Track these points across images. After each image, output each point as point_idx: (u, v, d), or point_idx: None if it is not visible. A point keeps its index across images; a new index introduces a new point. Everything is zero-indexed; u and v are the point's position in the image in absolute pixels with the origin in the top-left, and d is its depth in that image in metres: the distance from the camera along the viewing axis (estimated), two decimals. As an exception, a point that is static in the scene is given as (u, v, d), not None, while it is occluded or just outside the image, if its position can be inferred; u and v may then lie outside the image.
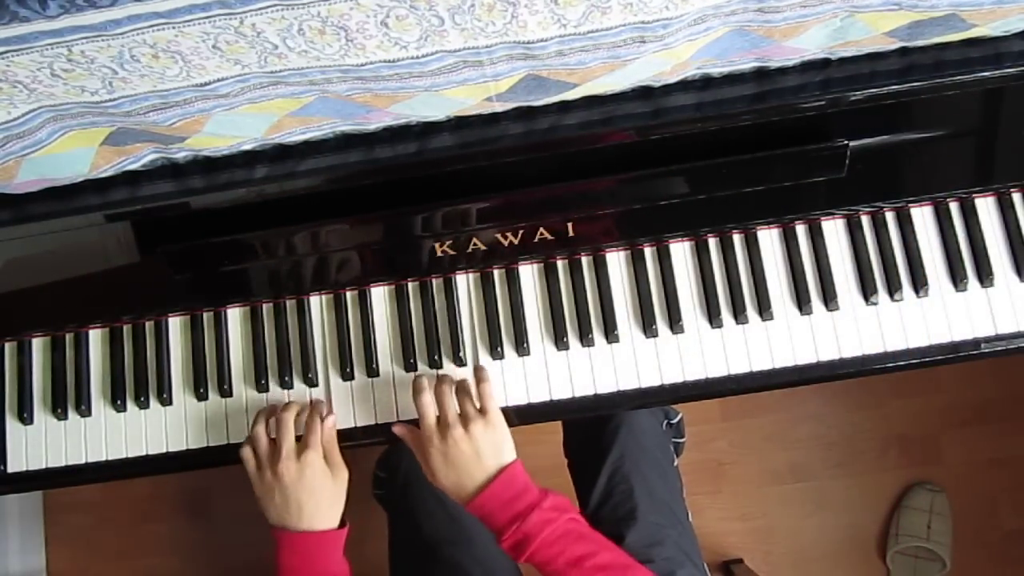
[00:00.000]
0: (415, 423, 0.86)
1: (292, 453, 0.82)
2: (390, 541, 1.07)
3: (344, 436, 0.91)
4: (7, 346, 0.96)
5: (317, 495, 0.82)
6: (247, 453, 0.85)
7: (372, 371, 0.92)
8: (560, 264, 0.93)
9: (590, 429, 1.08)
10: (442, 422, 0.83)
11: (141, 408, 0.94)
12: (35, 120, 0.72)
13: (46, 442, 0.94)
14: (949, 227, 0.92)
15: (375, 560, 1.06)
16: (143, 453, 0.93)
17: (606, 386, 0.91)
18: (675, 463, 1.11)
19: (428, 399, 0.84)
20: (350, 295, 0.94)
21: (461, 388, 0.86)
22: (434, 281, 0.94)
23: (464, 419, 0.82)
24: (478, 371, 0.88)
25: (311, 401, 0.90)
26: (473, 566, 0.99)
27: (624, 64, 0.76)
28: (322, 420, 0.87)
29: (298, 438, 0.85)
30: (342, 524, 0.85)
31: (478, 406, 0.84)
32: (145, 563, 1.70)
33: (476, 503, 0.80)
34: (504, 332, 0.92)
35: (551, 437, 1.15)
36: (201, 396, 0.93)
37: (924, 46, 0.84)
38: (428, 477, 0.84)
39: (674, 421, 1.16)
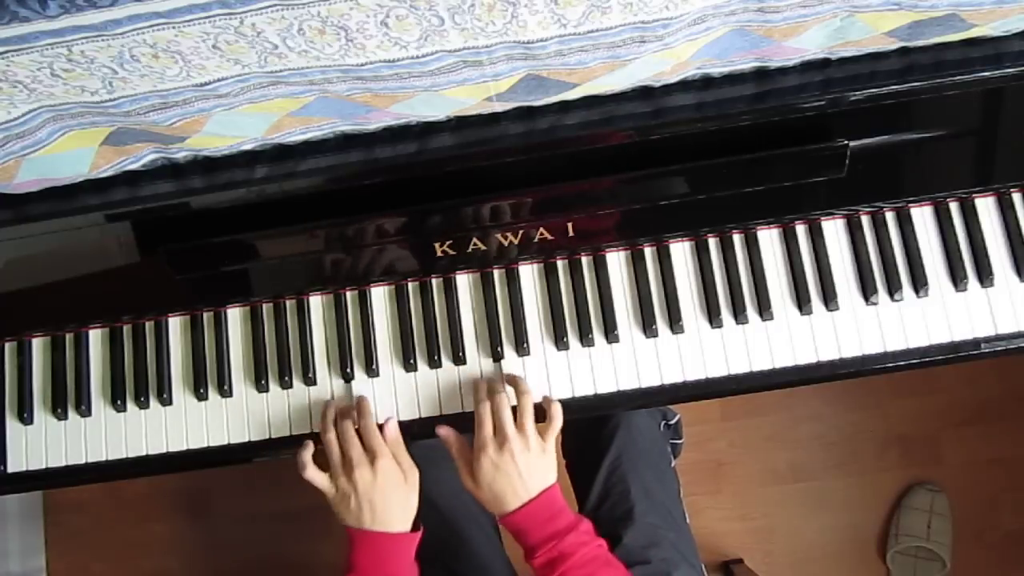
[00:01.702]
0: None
1: (364, 461, 0.83)
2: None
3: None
4: (7, 346, 0.96)
5: (391, 497, 0.83)
6: (312, 472, 0.85)
7: (372, 371, 0.92)
8: (560, 264, 0.93)
9: (588, 429, 1.08)
10: (499, 433, 0.83)
11: (141, 408, 0.94)
12: (35, 120, 0.72)
13: (46, 442, 0.94)
14: (949, 227, 0.92)
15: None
16: (143, 453, 0.93)
17: (606, 386, 0.91)
18: (673, 464, 1.11)
19: (488, 407, 0.85)
20: (350, 295, 0.94)
21: (523, 403, 0.86)
22: (434, 281, 0.94)
23: (523, 436, 0.83)
24: (547, 404, 0.88)
25: (358, 407, 0.89)
26: (468, 570, 0.99)
27: (624, 64, 0.76)
28: (382, 424, 0.88)
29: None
30: (415, 528, 0.86)
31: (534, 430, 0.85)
32: (145, 563, 1.70)
33: (514, 518, 0.82)
34: (504, 332, 0.92)
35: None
36: (201, 396, 0.93)
37: (924, 46, 0.84)
38: (466, 483, 0.85)
39: (672, 422, 1.16)
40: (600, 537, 0.83)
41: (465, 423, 0.91)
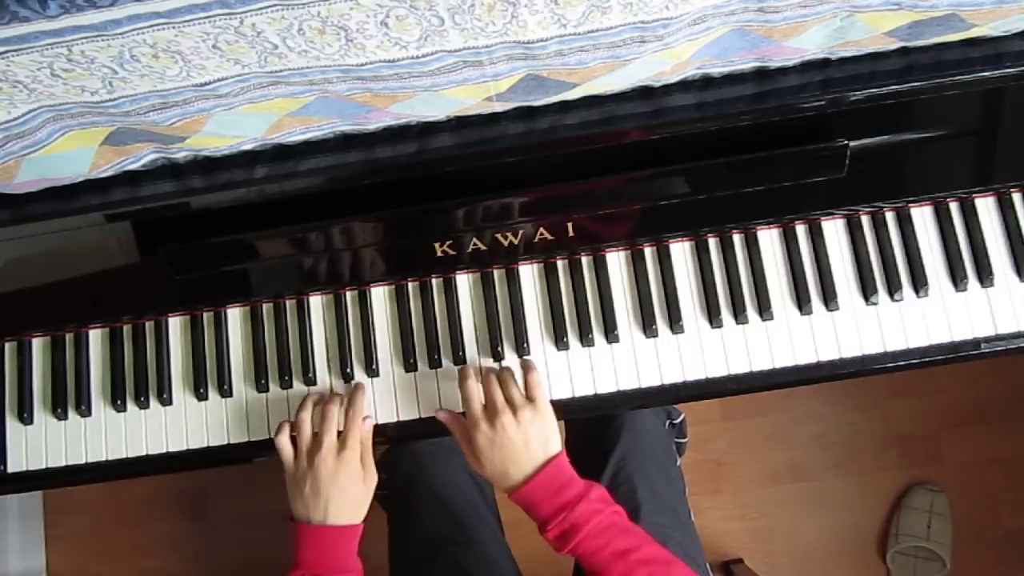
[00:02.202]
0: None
1: (333, 448, 0.83)
2: (390, 541, 1.07)
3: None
4: (7, 346, 0.96)
5: (347, 494, 0.82)
6: (284, 440, 0.85)
7: (372, 371, 0.92)
8: (560, 264, 0.93)
9: (593, 429, 1.08)
10: (489, 408, 0.82)
11: (141, 408, 0.94)
12: (35, 120, 0.72)
13: (46, 442, 0.94)
14: (949, 227, 0.92)
15: (375, 560, 1.06)
16: (143, 453, 0.93)
17: (606, 386, 0.91)
18: (678, 463, 1.11)
19: (474, 385, 0.84)
20: (350, 295, 0.94)
21: (507, 376, 0.86)
22: (434, 281, 0.94)
23: (512, 406, 0.82)
24: (524, 362, 0.88)
25: (351, 396, 0.89)
26: (474, 566, 0.99)
27: (624, 64, 0.76)
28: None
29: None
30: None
31: (525, 395, 0.84)
32: (145, 563, 1.70)
33: (522, 492, 0.80)
34: (504, 332, 0.92)
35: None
36: (201, 396, 0.93)
37: (924, 46, 0.84)
38: (471, 464, 0.84)
39: (676, 421, 1.16)
40: (615, 503, 0.81)
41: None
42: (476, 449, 0.82)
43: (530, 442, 0.81)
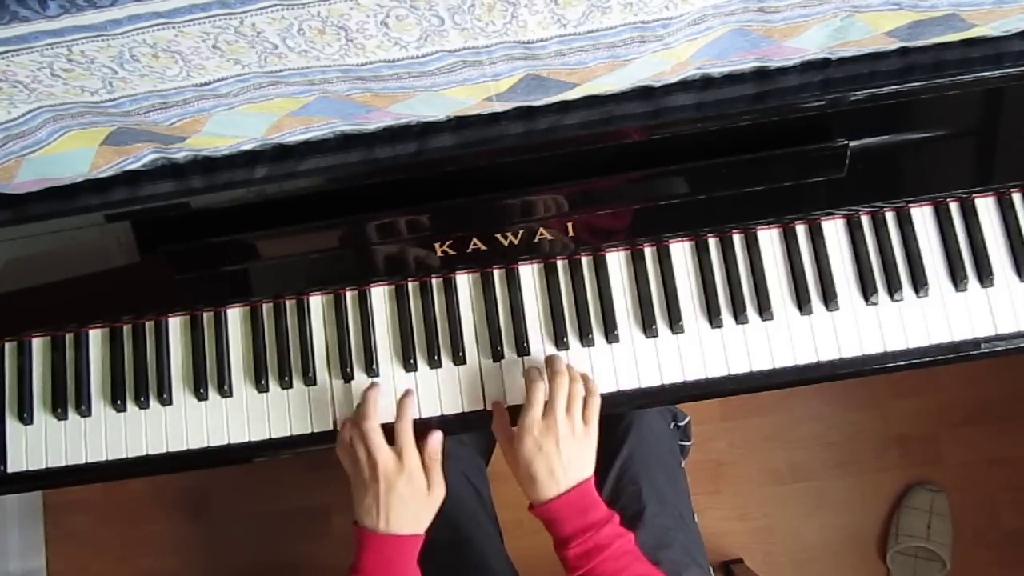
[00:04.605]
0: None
1: (392, 459, 0.82)
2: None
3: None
4: (7, 346, 0.96)
5: (406, 505, 0.82)
6: (345, 448, 0.85)
7: (372, 371, 0.92)
8: (560, 264, 0.93)
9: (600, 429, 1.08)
10: (548, 415, 0.82)
11: (141, 408, 0.94)
12: (35, 120, 0.72)
13: (46, 442, 0.94)
14: (949, 227, 0.92)
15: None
16: (143, 453, 0.93)
17: (606, 386, 0.91)
18: (682, 465, 1.11)
19: (542, 389, 0.84)
20: (350, 295, 0.94)
21: (576, 392, 0.85)
22: (434, 281, 0.94)
23: (571, 423, 0.82)
24: (589, 382, 0.88)
25: (398, 404, 0.88)
26: (471, 569, 0.99)
27: (624, 64, 0.76)
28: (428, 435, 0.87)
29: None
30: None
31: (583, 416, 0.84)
32: (145, 563, 1.70)
33: (551, 506, 0.81)
34: (504, 332, 0.92)
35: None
36: (201, 396, 0.93)
37: (924, 46, 0.84)
38: (505, 456, 0.85)
39: (682, 423, 1.16)
40: (629, 532, 0.82)
41: (466, 423, 0.91)
42: (520, 449, 0.82)
43: (572, 461, 0.82)
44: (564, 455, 0.81)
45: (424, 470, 0.84)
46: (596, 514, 0.80)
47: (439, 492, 0.85)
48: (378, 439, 0.83)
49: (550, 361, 0.87)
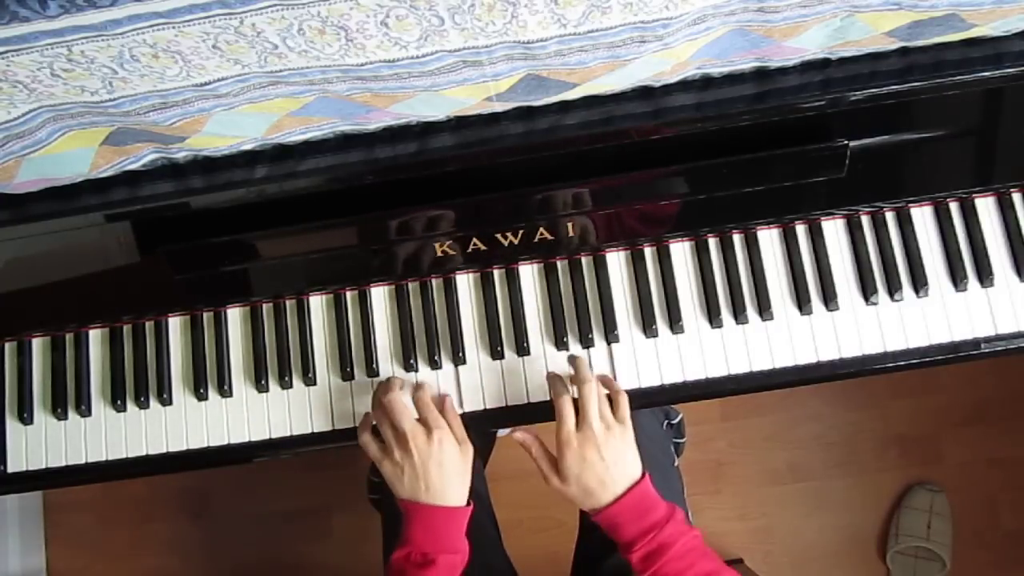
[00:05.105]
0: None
1: (420, 429, 0.82)
2: (385, 544, 1.07)
3: (340, 436, 0.91)
4: (7, 346, 0.96)
5: (447, 469, 0.82)
6: (367, 437, 0.85)
7: (372, 371, 0.92)
8: (560, 264, 0.93)
9: None
10: (583, 425, 0.81)
11: (141, 408, 0.94)
12: (35, 120, 0.72)
13: (46, 442, 0.94)
14: (949, 227, 0.92)
15: (373, 560, 1.06)
16: (143, 453, 0.93)
17: (606, 386, 0.91)
18: (676, 463, 1.11)
19: (569, 403, 0.83)
20: (350, 295, 0.94)
21: (601, 394, 0.85)
22: (434, 281, 0.94)
23: (605, 426, 0.81)
24: (612, 383, 0.87)
25: (415, 385, 0.90)
26: (471, 569, 0.99)
27: (624, 64, 0.76)
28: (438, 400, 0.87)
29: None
30: (467, 503, 0.85)
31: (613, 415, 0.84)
32: (145, 563, 1.70)
33: (609, 512, 0.80)
34: (504, 332, 0.92)
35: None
36: (201, 396, 0.93)
37: (924, 46, 0.84)
38: (551, 482, 0.83)
39: (675, 421, 1.16)
40: (694, 527, 0.81)
41: (467, 423, 0.91)
42: (564, 468, 0.81)
43: (618, 463, 0.81)
44: (608, 459, 0.80)
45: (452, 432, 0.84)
46: (656, 514, 0.80)
47: (469, 448, 0.85)
48: (401, 408, 0.83)
49: (576, 367, 0.86)
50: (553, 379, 0.87)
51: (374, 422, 0.86)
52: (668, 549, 0.77)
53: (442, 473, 0.81)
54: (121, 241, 0.89)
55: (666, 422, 1.13)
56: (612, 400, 0.85)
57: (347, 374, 0.92)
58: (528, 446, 0.86)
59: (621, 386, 0.87)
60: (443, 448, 0.82)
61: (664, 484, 1.03)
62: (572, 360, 0.89)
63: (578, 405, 0.83)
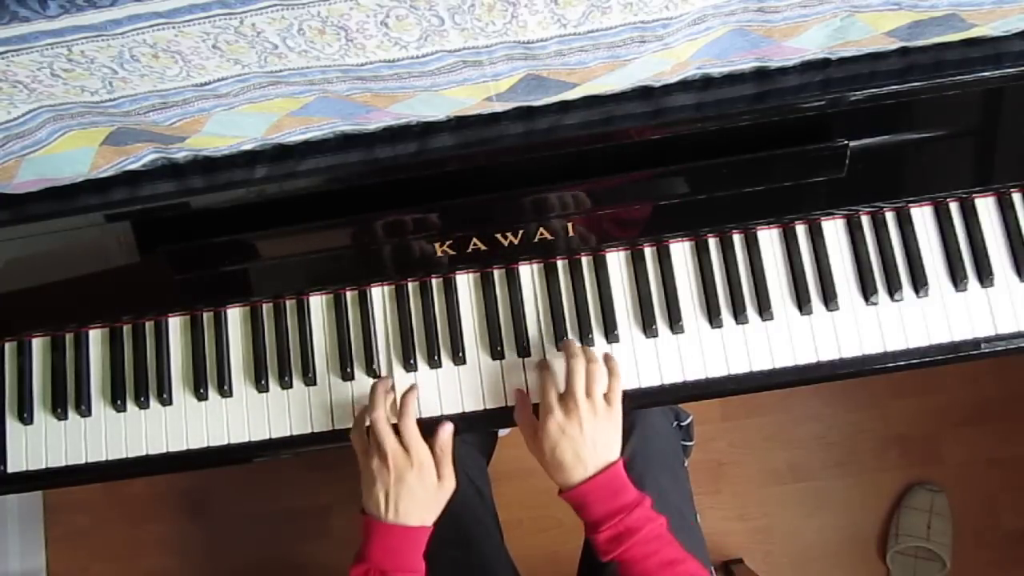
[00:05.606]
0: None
1: (403, 456, 0.82)
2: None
3: (340, 436, 0.91)
4: (7, 346, 0.96)
5: (415, 496, 0.82)
6: (358, 436, 0.86)
7: (372, 371, 0.92)
8: (560, 264, 0.93)
9: None
10: (568, 397, 0.82)
11: (141, 408, 0.94)
12: (35, 120, 0.72)
13: (46, 442, 0.94)
14: (949, 227, 0.92)
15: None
16: (143, 453, 0.93)
17: (606, 386, 0.91)
18: (685, 465, 1.11)
19: (557, 370, 0.84)
20: (350, 295, 0.94)
21: (594, 371, 0.84)
22: (434, 281, 0.94)
23: (592, 403, 0.82)
24: (610, 361, 0.87)
25: (402, 399, 0.89)
26: (472, 569, 0.99)
27: (624, 64, 0.76)
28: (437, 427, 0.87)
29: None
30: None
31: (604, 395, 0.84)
32: (145, 563, 1.70)
33: (580, 490, 0.80)
34: (504, 332, 0.92)
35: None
36: (201, 396, 0.93)
37: (924, 46, 0.84)
38: (529, 446, 0.84)
39: (684, 423, 1.16)
40: (662, 515, 0.81)
41: (467, 423, 0.91)
42: (543, 433, 0.82)
43: (598, 442, 0.81)
44: (588, 437, 0.80)
45: (435, 462, 0.84)
46: (626, 497, 0.80)
47: (449, 484, 0.85)
48: (386, 430, 0.83)
49: (565, 344, 0.88)
50: (546, 360, 0.88)
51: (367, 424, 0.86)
52: (635, 533, 0.77)
53: (413, 500, 0.82)
54: (121, 241, 0.89)
55: (676, 423, 1.13)
56: (609, 385, 0.85)
57: (347, 374, 0.92)
58: (520, 404, 0.87)
59: (618, 368, 0.87)
60: (421, 476, 0.82)
61: (673, 487, 1.03)
62: (565, 342, 0.89)
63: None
